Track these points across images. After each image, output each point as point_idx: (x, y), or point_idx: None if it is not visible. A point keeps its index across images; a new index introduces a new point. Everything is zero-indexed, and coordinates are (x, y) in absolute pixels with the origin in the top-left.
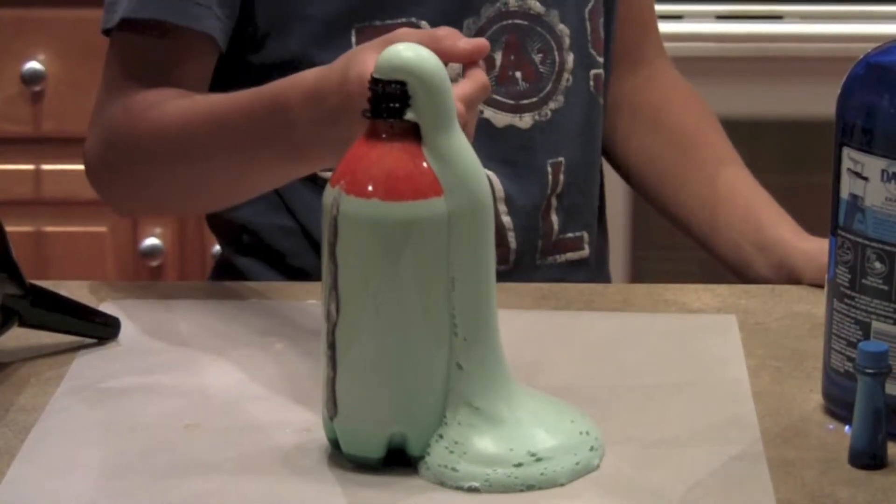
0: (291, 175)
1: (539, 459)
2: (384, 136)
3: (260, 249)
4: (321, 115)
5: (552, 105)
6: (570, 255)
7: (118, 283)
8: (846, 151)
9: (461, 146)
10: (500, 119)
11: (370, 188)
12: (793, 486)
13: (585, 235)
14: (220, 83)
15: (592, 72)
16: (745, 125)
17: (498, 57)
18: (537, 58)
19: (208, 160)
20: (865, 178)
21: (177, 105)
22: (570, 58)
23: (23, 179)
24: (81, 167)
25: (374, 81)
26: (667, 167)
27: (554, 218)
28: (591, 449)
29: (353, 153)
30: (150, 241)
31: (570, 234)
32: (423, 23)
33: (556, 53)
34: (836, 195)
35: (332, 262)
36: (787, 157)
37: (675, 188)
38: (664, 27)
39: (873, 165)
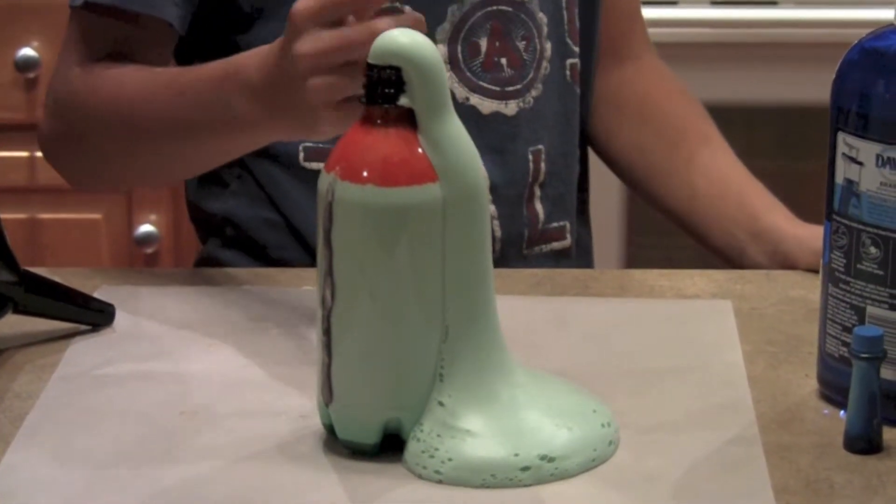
0: (241, 146)
1: (552, 460)
2: (379, 121)
3: (244, 242)
4: (269, 75)
5: (534, 93)
6: (555, 245)
7: (113, 269)
8: (841, 136)
9: (456, 132)
10: (486, 106)
11: (365, 174)
12: (788, 471)
13: (568, 225)
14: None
15: (569, 61)
16: (740, 111)
17: (483, 43)
18: (521, 45)
19: (161, 130)
20: (860, 163)
21: (134, 76)
22: (549, 46)
23: (17, 166)
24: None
25: (370, 67)
26: (657, 159)
27: (539, 207)
28: (610, 443)
29: (348, 139)
30: (145, 228)
31: (554, 224)
32: (407, 8)
33: (537, 41)
34: (830, 180)
35: (327, 248)
36: (781, 142)
37: (666, 180)
38: (659, 13)
39: (868, 150)
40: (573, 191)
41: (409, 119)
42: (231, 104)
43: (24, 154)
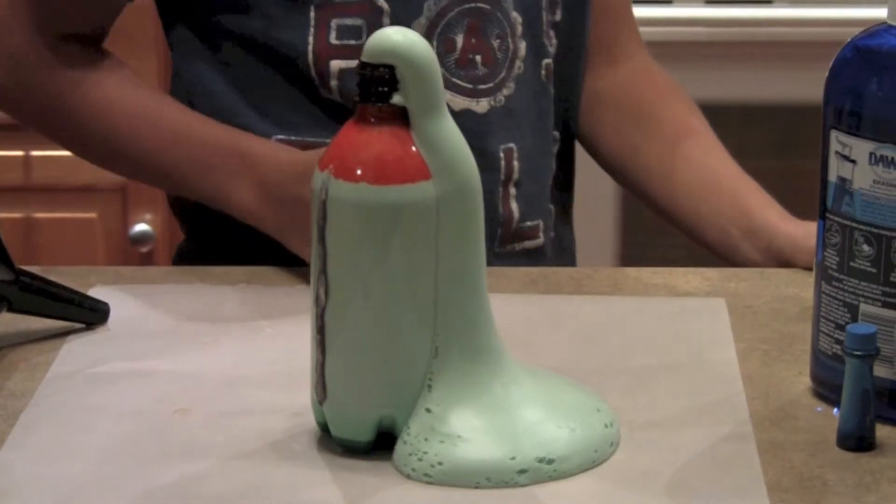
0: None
1: (551, 461)
2: (373, 120)
3: (219, 232)
4: (279, 189)
5: (505, 91)
6: (527, 244)
7: (107, 268)
8: (834, 135)
9: (449, 130)
10: (457, 103)
11: (359, 172)
12: (781, 469)
13: (541, 224)
14: (206, 46)
15: (544, 61)
16: (735, 110)
17: (459, 40)
18: (495, 43)
19: (142, 165)
20: (853, 161)
21: (125, 99)
22: (523, 45)
23: (13, 166)
24: (71, 154)
25: (363, 65)
26: (650, 159)
27: (513, 206)
28: (611, 444)
29: (341, 137)
30: (140, 228)
31: (528, 223)
32: (382, 1)
33: (510, 40)
34: (824, 178)
35: (321, 247)
36: (776, 141)
37: (660, 179)
38: (654, 11)
39: (861, 148)
40: (547, 190)
41: (402, 117)
42: (232, 185)
43: (20, 153)
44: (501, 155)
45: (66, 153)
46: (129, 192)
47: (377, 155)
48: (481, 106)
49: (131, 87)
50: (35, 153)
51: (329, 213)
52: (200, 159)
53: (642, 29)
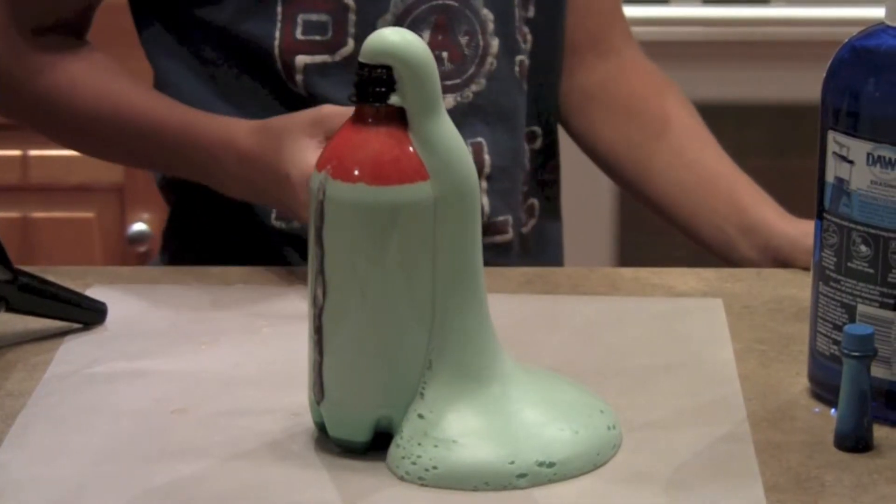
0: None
1: (552, 465)
2: (370, 120)
3: (203, 204)
4: (249, 188)
5: (474, 87)
6: (497, 238)
7: (105, 268)
8: (832, 135)
9: (447, 131)
10: None
11: (356, 172)
12: (779, 469)
13: (510, 219)
14: (179, 42)
15: (518, 57)
16: (732, 110)
17: (425, 36)
18: (463, 40)
19: (120, 147)
20: (851, 162)
21: (101, 82)
22: (495, 42)
23: (10, 165)
24: (68, 153)
25: (360, 66)
26: (645, 155)
27: (484, 200)
28: (614, 447)
29: (339, 138)
30: (138, 227)
31: (499, 218)
32: None
33: (479, 37)
34: (821, 179)
35: (318, 247)
36: (773, 141)
37: (655, 176)
38: (650, 11)
39: (859, 149)
40: (519, 186)
41: (400, 118)
42: (210, 162)
43: (17, 153)
44: (469, 148)
45: (64, 153)
46: (127, 192)
47: (375, 155)
48: (447, 102)
49: (102, 71)
50: (32, 153)
51: (326, 214)
52: (173, 141)
53: (639, 28)
